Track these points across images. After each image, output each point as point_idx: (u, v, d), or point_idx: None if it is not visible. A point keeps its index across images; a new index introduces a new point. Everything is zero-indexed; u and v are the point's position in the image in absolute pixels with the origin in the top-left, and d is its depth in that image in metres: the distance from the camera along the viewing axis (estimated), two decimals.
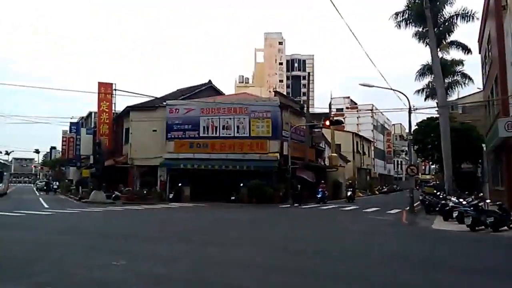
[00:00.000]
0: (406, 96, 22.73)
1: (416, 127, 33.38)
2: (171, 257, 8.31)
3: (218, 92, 35.28)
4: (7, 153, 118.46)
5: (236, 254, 8.77)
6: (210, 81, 35.64)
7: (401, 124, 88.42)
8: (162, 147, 29.39)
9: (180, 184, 28.17)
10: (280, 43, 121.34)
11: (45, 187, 48.45)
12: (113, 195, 28.28)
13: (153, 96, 32.12)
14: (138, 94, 55.04)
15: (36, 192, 49.64)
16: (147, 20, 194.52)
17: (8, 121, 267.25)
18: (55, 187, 47.03)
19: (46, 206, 24.24)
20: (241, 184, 26.07)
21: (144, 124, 30.54)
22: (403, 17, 24.38)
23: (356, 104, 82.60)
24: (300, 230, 13.62)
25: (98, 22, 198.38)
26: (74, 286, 5.94)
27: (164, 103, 30.64)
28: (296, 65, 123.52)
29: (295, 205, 24.23)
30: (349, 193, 30.08)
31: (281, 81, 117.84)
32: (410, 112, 22.39)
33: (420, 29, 24.51)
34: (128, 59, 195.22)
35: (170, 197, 27.66)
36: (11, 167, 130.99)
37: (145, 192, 28.15)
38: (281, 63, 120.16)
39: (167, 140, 29.45)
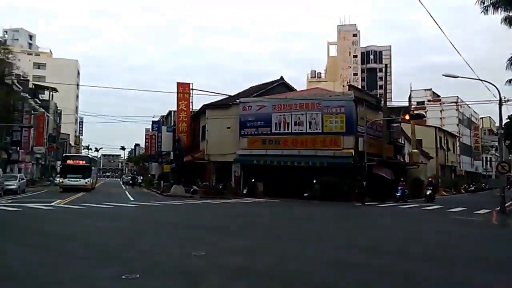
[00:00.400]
0: (495, 87, 20.82)
1: (508, 120, 30.41)
2: (249, 250, 8.47)
3: (290, 88, 35.23)
4: (97, 150, 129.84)
5: (313, 250, 8.70)
6: (281, 78, 35.70)
7: (490, 117, 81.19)
8: (236, 144, 30.08)
9: (253, 180, 28.64)
10: (354, 35, 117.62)
11: (130, 181, 52.21)
12: (192, 189, 29.59)
13: (227, 95, 33.06)
14: (213, 92, 56.75)
15: (123, 186, 53.65)
16: (224, 21, 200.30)
17: (98, 121, 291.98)
18: (139, 181, 50.49)
19: (131, 199, 26.11)
20: (314, 181, 25.79)
21: (219, 121, 31.50)
22: (491, 1, 22.31)
23: (439, 96, 77.23)
24: (379, 230, 13.13)
25: (173, 22, 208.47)
26: (161, 274, 6.29)
27: (238, 100, 31.31)
28: (371, 57, 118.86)
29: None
30: (428, 192, 28.21)
31: (355, 74, 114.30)
32: (500, 104, 20.48)
33: None
34: (204, 57, 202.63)
35: (244, 192, 28.23)
36: (100, 163, 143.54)
37: (220, 187, 29.08)
38: (355, 56, 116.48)
39: (240, 136, 30.07)
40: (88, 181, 32.58)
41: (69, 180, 31.68)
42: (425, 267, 7.18)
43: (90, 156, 43.49)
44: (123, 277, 5.86)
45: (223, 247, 8.75)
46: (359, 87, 75.19)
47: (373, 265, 7.19)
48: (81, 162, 33.74)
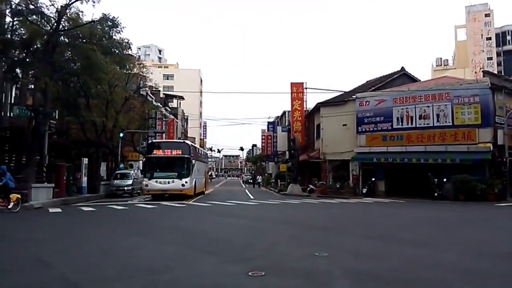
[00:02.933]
0: None
1: None
2: (372, 253, 7.94)
3: (412, 79, 32.66)
4: (218, 151, 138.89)
5: (446, 257, 7.72)
6: (402, 68, 33.32)
7: None
8: (353, 141, 29.00)
9: (373, 179, 27.28)
10: (487, 15, 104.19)
11: (250, 180, 54.44)
12: (308, 188, 29.46)
13: (342, 91, 32.12)
14: (327, 90, 55.86)
15: (242, 184, 56.19)
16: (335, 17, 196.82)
17: (219, 124, 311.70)
18: (259, 181, 52.32)
19: (251, 197, 27.05)
20: (445, 179, 23.37)
21: (334, 119, 30.75)
22: None
23: None
24: None
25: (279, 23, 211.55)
26: (286, 273, 6.21)
27: (354, 96, 30.18)
28: (508, 38, 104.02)
29: (496, 204, 20.06)
30: None
31: (489, 59, 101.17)
32: None
33: None
34: (318, 56, 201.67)
35: (364, 191, 27.05)
36: (222, 163, 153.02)
37: (338, 186, 28.34)
38: (488, 38, 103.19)
39: (358, 134, 28.89)
40: (186, 182, 22.34)
41: (156, 181, 22.13)
42: None
43: (190, 144, 25.78)
44: (249, 274, 5.91)
45: (346, 248, 8.41)
46: (495, 72, 66.37)
47: None
48: (175, 152, 23.17)
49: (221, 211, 17.08)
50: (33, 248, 8.05)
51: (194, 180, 24.37)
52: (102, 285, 5.42)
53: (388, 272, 6.39)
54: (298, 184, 31.12)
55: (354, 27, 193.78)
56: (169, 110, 59.02)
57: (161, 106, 48.88)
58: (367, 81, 37.85)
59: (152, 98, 44.50)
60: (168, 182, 22.28)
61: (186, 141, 26.49)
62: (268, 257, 7.35)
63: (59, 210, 16.51)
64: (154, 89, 46.16)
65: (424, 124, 25.92)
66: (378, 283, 5.79)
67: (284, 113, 53.95)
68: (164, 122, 50.25)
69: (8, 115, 28.69)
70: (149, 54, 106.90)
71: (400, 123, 26.94)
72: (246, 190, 37.30)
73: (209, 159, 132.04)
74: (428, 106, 25.87)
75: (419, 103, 26.28)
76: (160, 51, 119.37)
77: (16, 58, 24.10)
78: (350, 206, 20.30)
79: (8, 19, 23.63)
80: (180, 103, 68.53)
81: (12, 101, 29.53)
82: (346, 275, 6.09)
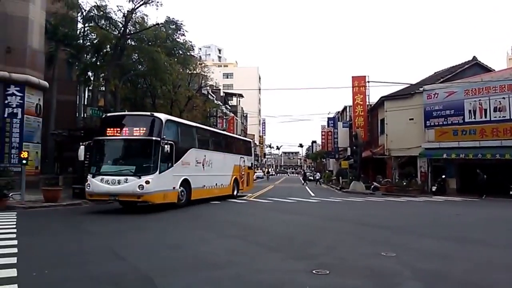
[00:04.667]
0: None
1: None
2: (443, 253, 7.50)
3: (485, 69, 30.24)
4: (278, 148, 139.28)
5: None
6: (474, 58, 31.00)
7: None
8: (421, 136, 27.55)
9: (443, 176, 25.73)
10: None
11: (311, 177, 53.93)
12: (372, 186, 28.49)
13: (407, 83, 30.63)
14: (391, 83, 53.78)
15: (302, 181, 55.84)
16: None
17: (277, 121, 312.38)
18: (317, 177, 51.59)
19: (312, 194, 26.70)
20: None
21: (400, 113, 29.38)
22: None
23: None
24: None
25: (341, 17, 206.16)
26: (351, 272, 6.02)
27: (421, 89, 28.63)
28: None
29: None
30: None
31: None
32: None
33: None
34: (382, 47, 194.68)
35: (433, 189, 25.61)
36: (281, 160, 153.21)
37: (404, 183, 27.08)
38: None
39: (426, 128, 27.39)
40: (148, 182, 13.00)
41: (102, 179, 13.26)
42: None
43: (163, 118, 14.26)
44: (313, 272, 5.80)
45: (414, 248, 7.99)
46: None
47: None
48: (135, 132, 13.88)
49: (282, 208, 17.03)
50: (106, 241, 8.53)
51: (179, 179, 14.80)
52: (171, 277, 5.58)
53: (460, 274, 6.04)
54: (361, 181, 30.20)
55: (419, 15, 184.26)
56: (229, 108, 60.25)
57: (221, 104, 49.99)
58: (435, 73, 35.79)
59: (213, 97, 45.63)
60: (119, 182, 12.96)
61: (158, 114, 14.43)
62: (332, 255, 7.18)
63: None
64: (214, 88, 47.32)
65: (499, 117, 24.00)
66: (450, 285, 5.50)
67: (345, 108, 52.75)
68: (224, 120, 51.34)
69: (82, 115, 30.93)
70: (209, 54, 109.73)
71: (473, 117, 25.13)
72: (306, 187, 36.94)
73: (269, 157, 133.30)
74: (504, 98, 23.90)
75: (493, 95, 24.34)
76: (219, 50, 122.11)
77: (88, 62, 25.90)
78: (418, 205, 19.31)
79: (80, 25, 25.46)
80: (239, 100, 69.64)
81: (85, 103, 31.80)
82: (416, 276, 5.79)
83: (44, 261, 6.36)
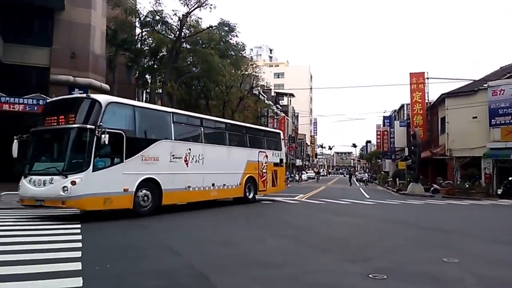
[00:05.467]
0: None
1: None
2: (511, 261, 6.96)
3: None
4: (330, 148, 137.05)
5: None
6: None
7: None
8: (485, 136, 25.87)
9: (510, 178, 23.96)
10: None
11: (364, 178, 52.54)
12: (432, 188, 27.21)
13: (470, 79, 28.86)
14: (452, 79, 51.32)
15: (356, 183, 54.43)
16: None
17: (330, 120, 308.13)
18: (367, 179, 49.94)
19: (367, 196, 25.94)
20: None
21: (462, 111, 27.75)
22: None
23: None
24: None
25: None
26: (410, 278, 5.74)
27: (485, 85, 26.86)
28: None
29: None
30: None
31: None
32: None
33: None
34: (441, 42, 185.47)
35: (499, 192, 23.92)
36: (333, 160, 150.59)
37: (467, 186, 25.57)
38: None
39: (491, 127, 25.68)
40: (74, 183, 10.02)
41: (30, 180, 10.66)
42: None
43: (103, 100, 11.01)
44: (370, 276, 5.59)
45: (478, 254, 7.54)
46: None
47: None
48: (69, 119, 10.99)
49: (335, 209, 16.69)
50: (162, 236, 8.81)
51: (137, 178, 11.65)
52: (225, 275, 5.63)
53: None
54: (420, 183, 28.91)
55: (481, 6, 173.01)
56: (280, 107, 60.21)
57: (272, 104, 50.11)
58: (501, 67, 33.41)
59: (264, 97, 45.83)
60: (44, 183, 10.36)
61: (96, 96, 11.64)
62: (389, 259, 6.89)
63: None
64: (265, 88, 47.54)
65: None
66: None
67: (402, 106, 50.80)
68: (275, 119, 51.36)
69: None
70: (260, 54, 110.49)
71: None
72: (361, 189, 35.97)
73: (320, 157, 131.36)
74: None
75: None
76: (271, 50, 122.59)
77: (145, 66, 27.04)
78: (482, 209, 18.14)
79: (137, 30, 26.64)
80: (290, 100, 69.41)
81: None
82: (481, 284, 5.44)
83: (105, 255, 6.67)
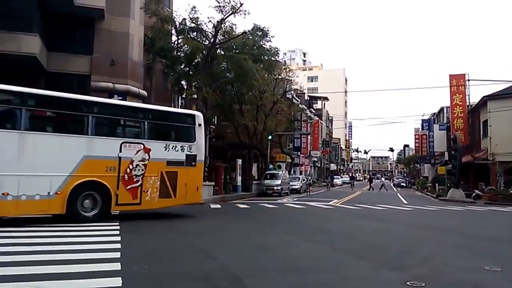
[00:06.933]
0: None
1: None
2: None
3: None
4: (365, 152, 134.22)
5: None
6: None
7: None
8: None
9: None
10: None
11: (402, 184, 51.12)
12: (473, 194, 26.13)
13: None
14: (495, 81, 49.27)
15: (394, 188, 53.01)
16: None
17: (365, 124, 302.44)
18: (403, 184, 48.29)
19: (405, 201, 25.25)
20: None
21: (506, 114, 26.55)
22: None
23: None
24: None
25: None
26: (448, 285, 5.60)
27: None
28: None
29: None
30: None
31: None
32: None
33: None
34: (480, 44, 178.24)
35: None
36: (370, 165, 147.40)
37: (511, 191, 24.37)
38: None
39: None
40: None
41: None
42: None
43: None
44: (407, 283, 5.44)
45: None
46: None
47: None
48: None
49: (372, 215, 16.34)
50: (198, 239, 8.96)
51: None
52: (260, 278, 5.66)
53: None
54: (461, 189, 27.81)
55: None
56: (314, 111, 59.72)
57: (306, 108, 49.78)
58: None
59: (298, 101, 45.63)
60: None
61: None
62: (428, 267, 6.69)
63: (218, 206, 18.17)
64: (299, 92, 47.28)
65: None
66: None
67: (441, 109, 49.20)
68: (309, 123, 51.01)
69: None
70: (294, 58, 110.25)
71: None
72: (398, 194, 35.03)
73: (356, 161, 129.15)
74: None
75: None
76: (304, 54, 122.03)
77: (181, 72, 27.63)
78: None
79: (173, 38, 27.29)
80: (324, 104, 68.74)
81: None
82: None
83: (143, 256, 6.86)
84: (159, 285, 5.22)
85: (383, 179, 56.79)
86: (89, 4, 21.40)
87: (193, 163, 12.71)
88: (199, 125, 13.11)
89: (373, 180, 49.97)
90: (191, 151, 12.68)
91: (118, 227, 9.94)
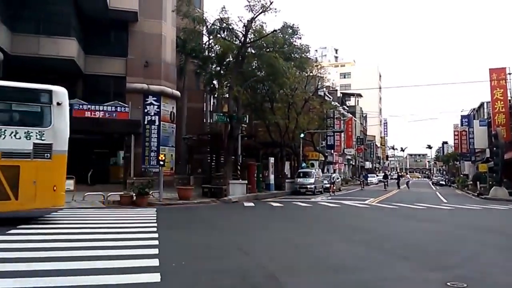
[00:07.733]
0: None
1: None
2: None
3: None
4: (402, 150, 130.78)
5: None
6: None
7: None
8: None
9: None
10: None
11: (442, 182, 49.57)
12: None
13: None
14: None
15: (432, 186, 51.37)
16: None
17: (402, 120, 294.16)
18: (442, 182, 46.64)
19: (444, 200, 24.42)
20: None
21: None
22: None
23: None
24: None
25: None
26: (490, 286, 5.31)
27: None
28: None
29: None
30: None
31: None
32: None
33: None
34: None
35: None
36: (406, 163, 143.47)
37: None
38: None
39: None
40: None
41: None
42: None
43: None
44: (448, 283, 5.25)
45: None
46: None
47: None
48: None
49: (410, 214, 15.88)
50: (233, 237, 9.01)
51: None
52: (296, 277, 5.62)
53: None
54: (504, 187, 26.56)
55: None
56: (347, 108, 58.80)
57: (338, 105, 49.11)
58: None
59: (330, 98, 45.08)
60: None
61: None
62: (470, 267, 6.45)
63: (252, 204, 18.20)
64: (331, 89, 46.70)
65: None
66: None
67: (481, 104, 47.20)
68: (342, 121, 50.25)
69: (208, 121, 33.52)
70: (325, 55, 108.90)
71: None
72: (437, 193, 33.90)
73: (392, 159, 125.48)
74: None
75: None
76: (336, 50, 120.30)
77: (213, 72, 27.93)
78: None
79: (205, 38, 27.60)
80: (357, 100, 67.54)
81: (211, 109, 34.39)
82: None
83: (181, 253, 6.98)
84: (197, 281, 5.28)
85: (408, 176, 53.69)
86: (123, 8, 22.02)
87: (46, 154, 9.54)
88: (58, 103, 9.76)
89: (400, 179, 47.28)
90: (42, 138, 9.54)
91: (156, 224, 10.15)
